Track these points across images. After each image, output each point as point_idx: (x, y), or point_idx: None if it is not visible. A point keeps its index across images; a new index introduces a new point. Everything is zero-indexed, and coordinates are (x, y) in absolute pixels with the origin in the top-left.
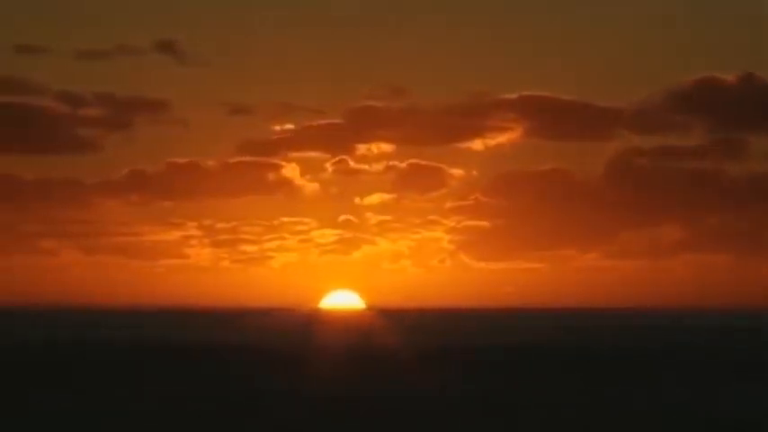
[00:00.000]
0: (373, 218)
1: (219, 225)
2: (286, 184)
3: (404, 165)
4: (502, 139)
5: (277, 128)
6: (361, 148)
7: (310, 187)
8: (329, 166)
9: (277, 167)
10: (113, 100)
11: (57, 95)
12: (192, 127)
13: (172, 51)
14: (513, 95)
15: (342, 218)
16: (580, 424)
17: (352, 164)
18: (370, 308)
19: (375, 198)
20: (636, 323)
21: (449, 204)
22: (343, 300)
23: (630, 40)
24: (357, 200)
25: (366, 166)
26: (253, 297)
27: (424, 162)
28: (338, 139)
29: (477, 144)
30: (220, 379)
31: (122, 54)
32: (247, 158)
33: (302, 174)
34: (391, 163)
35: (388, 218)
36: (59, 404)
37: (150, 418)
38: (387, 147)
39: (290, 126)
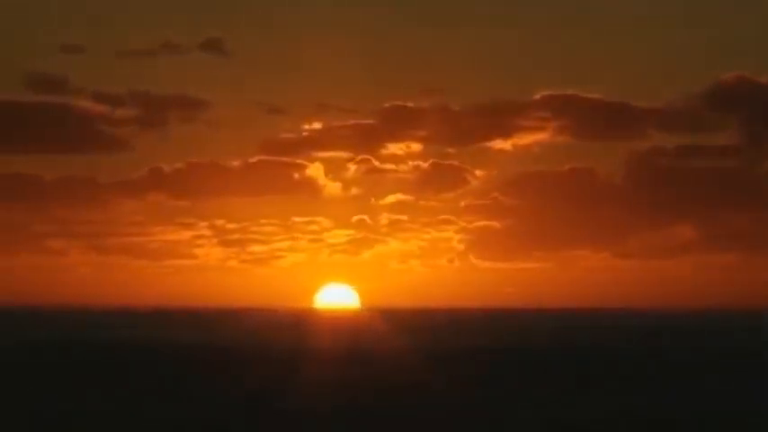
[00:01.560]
0: (388, 218)
1: (232, 225)
2: (307, 183)
3: (426, 165)
4: (531, 139)
5: (306, 127)
6: (388, 148)
7: (331, 187)
8: (352, 166)
9: (300, 167)
10: (149, 99)
11: (93, 95)
12: (225, 126)
13: (216, 50)
14: (544, 95)
15: (356, 218)
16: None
17: (376, 164)
18: (369, 308)
19: (392, 198)
20: (644, 323)
21: (463, 204)
22: (343, 299)
23: (661, 40)
24: (374, 200)
25: (391, 166)
26: (257, 297)
27: (446, 162)
28: (366, 139)
29: (504, 144)
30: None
31: (166, 53)
32: (270, 158)
33: (325, 174)
34: (414, 163)
35: (403, 218)
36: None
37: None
38: (414, 146)
39: (318, 126)
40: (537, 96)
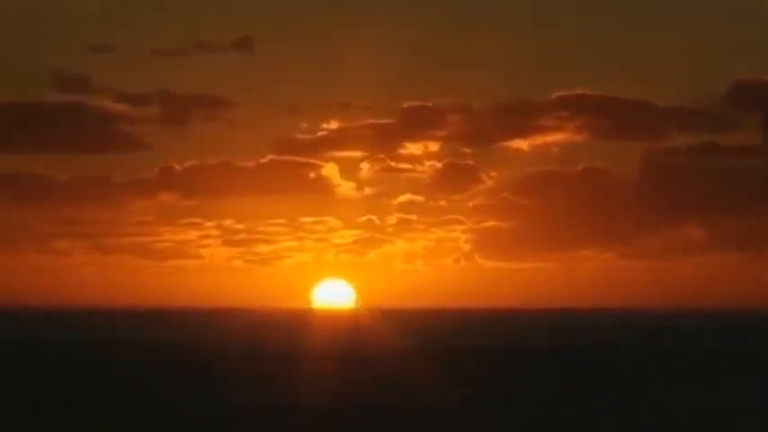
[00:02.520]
0: (396, 218)
1: (240, 225)
2: (319, 183)
3: (440, 165)
4: (549, 138)
5: (324, 126)
6: (406, 148)
7: (344, 187)
8: (366, 166)
9: (313, 167)
10: (172, 98)
11: (117, 94)
12: (245, 126)
13: (248, 49)
14: (563, 94)
15: (364, 218)
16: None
17: (391, 164)
18: (369, 308)
19: (403, 198)
20: (654, 323)
21: (471, 204)
22: (345, 299)
23: (681, 39)
24: (385, 200)
25: (406, 166)
26: (258, 297)
27: (461, 162)
28: (383, 139)
29: (522, 144)
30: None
31: (197, 52)
32: (282, 158)
33: (339, 174)
34: (430, 163)
35: (411, 218)
36: None
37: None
38: (431, 146)
39: (336, 125)
40: (556, 96)
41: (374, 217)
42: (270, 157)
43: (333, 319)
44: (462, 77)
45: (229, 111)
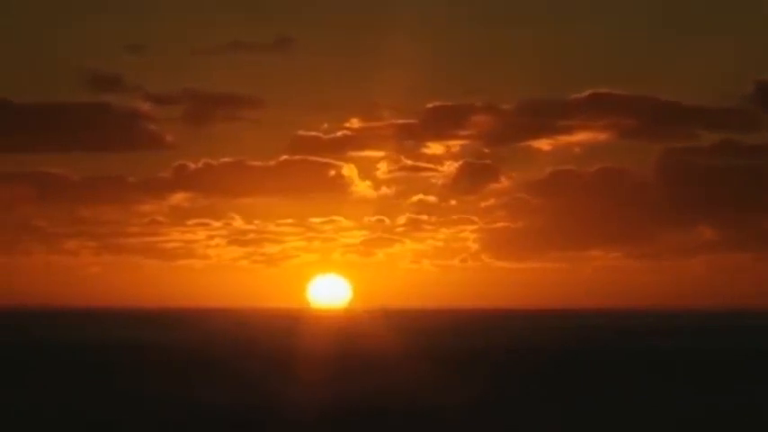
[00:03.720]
0: (407, 218)
1: (249, 225)
2: (334, 183)
3: (459, 165)
4: (571, 138)
5: (346, 126)
6: (427, 148)
7: (359, 187)
8: (383, 166)
9: (330, 167)
10: (201, 97)
11: (146, 94)
12: (268, 125)
13: (285, 50)
14: (588, 94)
15: (375, 218)
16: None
17: (410, 163)
18: (370, 308)
19: (416, 198)
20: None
21: (483, 205)
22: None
23: (708, 39)
24: (400, 200)
25: (426, 166)
26: (260, 297)
27: (480, 162)
28: (404, 139)
29: (544, 143)
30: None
31: (234, 51)
32: (298, 157)
33: (356, 174)
34: (448, 163)
35: (422, 218)
36: None
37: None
38: (452, 146)
39: (358, 125)
40: (580, 95)
41: (384, 217)
42: (285, 156)
43: (328, 319)
44: (489, 77)
45: (257, 110)
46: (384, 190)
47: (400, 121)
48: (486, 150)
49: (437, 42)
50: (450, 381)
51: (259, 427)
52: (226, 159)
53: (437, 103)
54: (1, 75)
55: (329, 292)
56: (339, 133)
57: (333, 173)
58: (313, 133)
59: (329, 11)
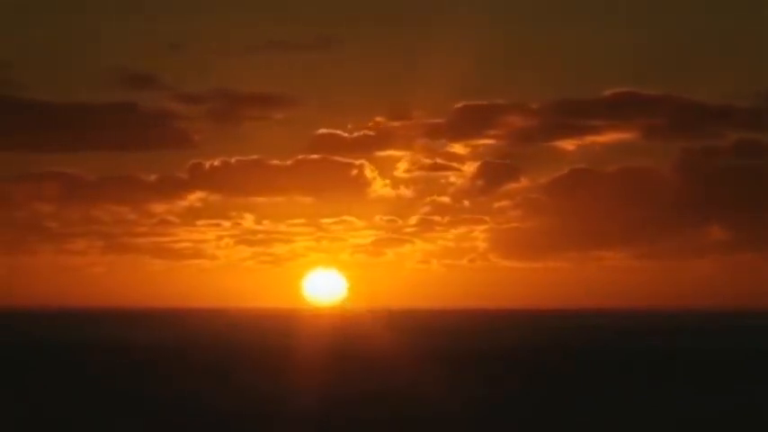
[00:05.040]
0: (419, 218)
1: (260, 225)
2: (350, 183)
3: (478, 165)
4: (598, 138)
5: (370, 125)
6: (450, 148)
7: (375, 187)
8: (402, 166)
9: (348, 166)
10: (230, 96)
11: (176, 93)
12: (295, 124)
13: (323, 49)
14: (614, 93)
15: (387, 218)
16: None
17: (430, 163)
18: (371, 308)
19: (431, 198)
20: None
21: (497, 205)
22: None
23: (734, 38)
24: (416, 200)
25: (447, 165)
26: (263, 297)
27: (500, 161)
28: (429, 139)
29: (568, 143)
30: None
31: (274, 50)
32: (315, 157)
33: (373, 174)
34: (468, 163)
35: (435, 218)
36: None
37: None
38: (475, 146)
39: (383, 125)
40: (606, 94)
41: (397, 217)
42: (302, 155)
43: (324, 318)
44: (519, 77)
45: (287, 110)
46: (402, 190)
47: (426, 121)
48: (512, 150)
49: (472, 42)
50: (449, 381)
51: (262, 426)
52: (242, 158)
53: (466, 103)
54: (40, 74)
55: (332, 291)
56: (362, 133)
57: (351, 172)
58: (335, 132)
59: (370, 11)
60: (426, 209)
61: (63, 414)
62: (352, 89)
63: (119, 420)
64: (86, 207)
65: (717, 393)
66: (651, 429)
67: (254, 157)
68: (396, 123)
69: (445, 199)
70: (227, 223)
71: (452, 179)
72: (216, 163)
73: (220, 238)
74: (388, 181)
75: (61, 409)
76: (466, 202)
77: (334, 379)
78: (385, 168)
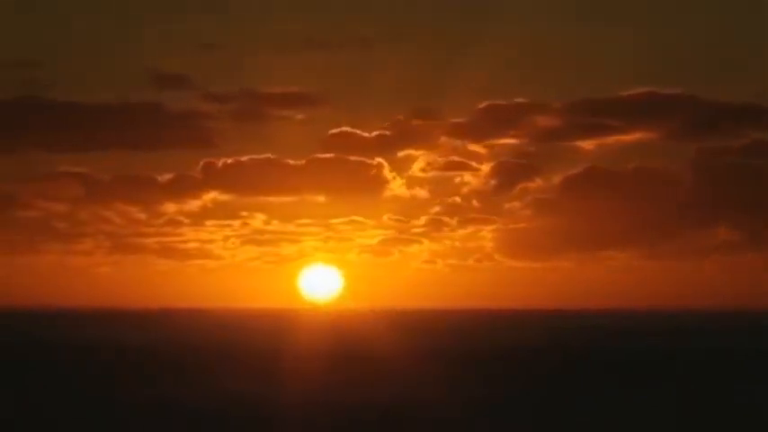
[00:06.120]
0: (429, 218)
1: (268, 225)
2: (364, 182)
3: (493, 165)
4: (618, 138)
5: (386, 124)
6: (468, 148)
7: (390, 187)
8: (419, 166)
9: (364, 166)
10: (258, 96)
11: (206, 93)
12: (321, 123)
13: (359, 49)
14: (634, 93)
15: (397, 218)
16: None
17: (447, 163)
18: (373, 308)
19: (444, 199)
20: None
21: (507, 205)
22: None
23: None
24: (430, 200)
25: (469, 163)
26: (265, 297)
27: (514, 161)
28: (449, 139)
29: (588, 143)
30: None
31: (308, 50)
32: (329, 156)
33: (388, 174)
34: (487, 163)
35: (445, 218)
36: None
37: None
38: (496, 146)
39: (404, 125)
40: (627, 94)
41: (406, 217)
42: (315, 155)
43: (319, 318)
44: (542, 77)
45: (313, 109)
46: (417, 190)
47: (448, 121)
48: (532, 150)
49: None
50: (449, 381)
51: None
52: (255, 157)
53: (489, 103)
54: (70, 74)
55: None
56: (380, 132)
57: (366, 172)
58: (353, 131)
59: (406, 12)
60: (437, 209)
61: (63, 414)
62: (379, 89)
63: (119, 420)
64: (98, 207)
65: (717, 393)
66: (651, 429)
67: (269, 156)
68: (416, 123)
69: (456, 199)
70: (236, 223)
71: (468, 179)
72: (228, 162)
73: (227, 238)
74: (403, 181)
75: (61, 408)
76: (475, 202)
77: (332, 380)
78: (402, 168)
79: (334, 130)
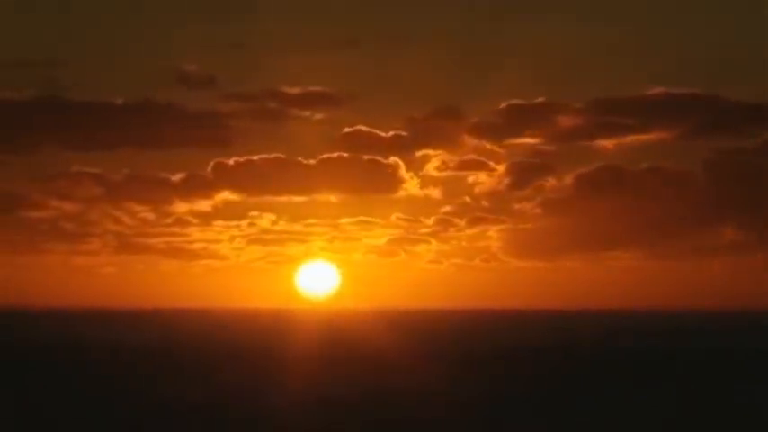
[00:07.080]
0: (437, 218)
1: (276, 225)
2: (376, 182)
3: (507, 165)
4: (635, 137)
5: (402, 123)
6: (485, 147)
7: (402, 187)
8: (434, 166)
9: (377, 165)
10: (278, 96)
11: (226, 93)
12: (341, 123)
13: (388, 48)
14: (654, 92)
15: (405, 218)
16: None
17: (461, 163)
18: (376, 308)
19: (455, 199)
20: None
21: (517, 205)
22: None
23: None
24: (442, 200)
25: (487, 163)
26: (267, 298)
27: (528, 161)
28: (467, 138)
29: (606, 143)
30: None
31: (334, 50)
32: (340, 155)
33: (403, 173)
34: (503, 163)
35: (454, 219)
36: None
37: None
38: (512, 146)
39: (419, 125)
40: (646, 94)
41: (415, 217)
42: (326, 155)
43: (316, 317)
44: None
45: (331, 109)
46: (430, 189)
47: (468, 121)
48: (549, 149)
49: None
50: (448, 381)
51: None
52: (266, 156)
53: (509, 103)
54: (96, 75)
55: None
56: (397, 132)
57: (378, 172)
58: (370, 130)
59: (427, 12)
60: (447, 209)
61: (63, 414)
62: (401, 89)
63: (119, 420)
64: (108, 206)
65: (714, 393)
66: (651, 429)
67: (280, 156)
68: (435, 123)
69: (467, 199)
70: (243, 223)
71: (482, 179)
72: (240, 161)
73: (233, 238)
74: (417, 181)
75: (61, 408)
76: (485, 202)
77: (332, 379)
78: (417, 168)
79: (348, 129)
